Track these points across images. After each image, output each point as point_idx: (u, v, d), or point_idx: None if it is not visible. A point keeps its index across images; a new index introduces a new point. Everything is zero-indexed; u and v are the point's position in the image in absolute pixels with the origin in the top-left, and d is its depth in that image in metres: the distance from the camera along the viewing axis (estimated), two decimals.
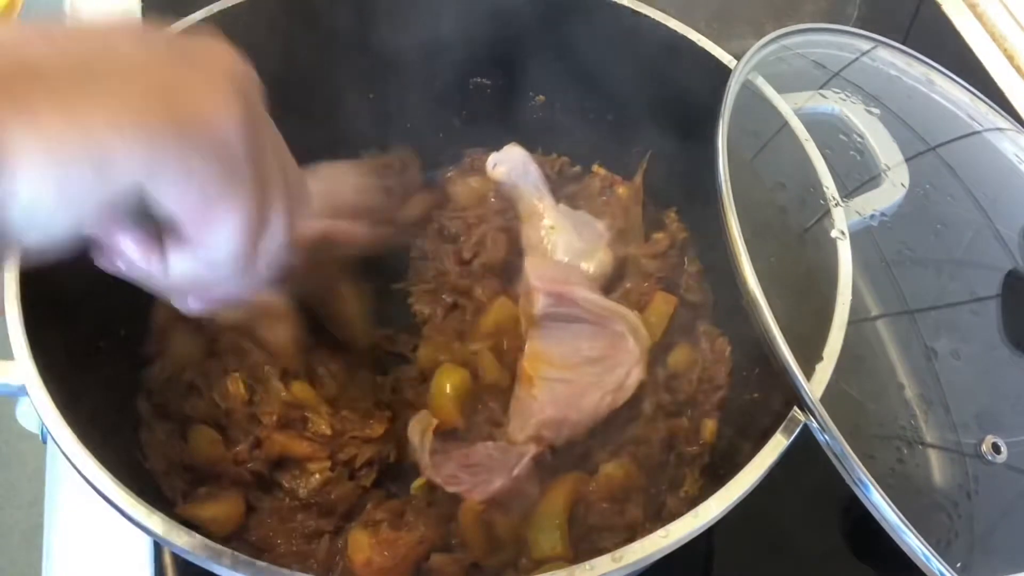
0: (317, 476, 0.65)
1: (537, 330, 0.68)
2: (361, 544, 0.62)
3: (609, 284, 0.77)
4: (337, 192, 0.74)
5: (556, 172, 0.84)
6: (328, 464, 0.66)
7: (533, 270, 0.70)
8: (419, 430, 0.66)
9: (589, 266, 0.75)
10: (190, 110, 0.36)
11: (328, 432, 0.66)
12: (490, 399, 0.70)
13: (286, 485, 0.65)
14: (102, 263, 0.43)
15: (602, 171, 0.84)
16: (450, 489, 0.63)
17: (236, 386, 0.67)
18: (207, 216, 0.38)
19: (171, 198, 0.36)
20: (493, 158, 0.80)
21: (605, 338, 0.68)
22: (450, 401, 0.68)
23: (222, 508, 0.63)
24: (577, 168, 0.85)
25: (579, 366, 0.67)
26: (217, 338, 0.70)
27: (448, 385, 0.69)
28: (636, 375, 0.68)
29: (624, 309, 0.70)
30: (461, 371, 0.70)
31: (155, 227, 0.40)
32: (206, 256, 0.40)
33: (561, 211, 0.79)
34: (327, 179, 0.75)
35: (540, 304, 0.67)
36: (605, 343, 0.68)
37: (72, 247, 0.37)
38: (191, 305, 0.45)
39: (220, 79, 0.38)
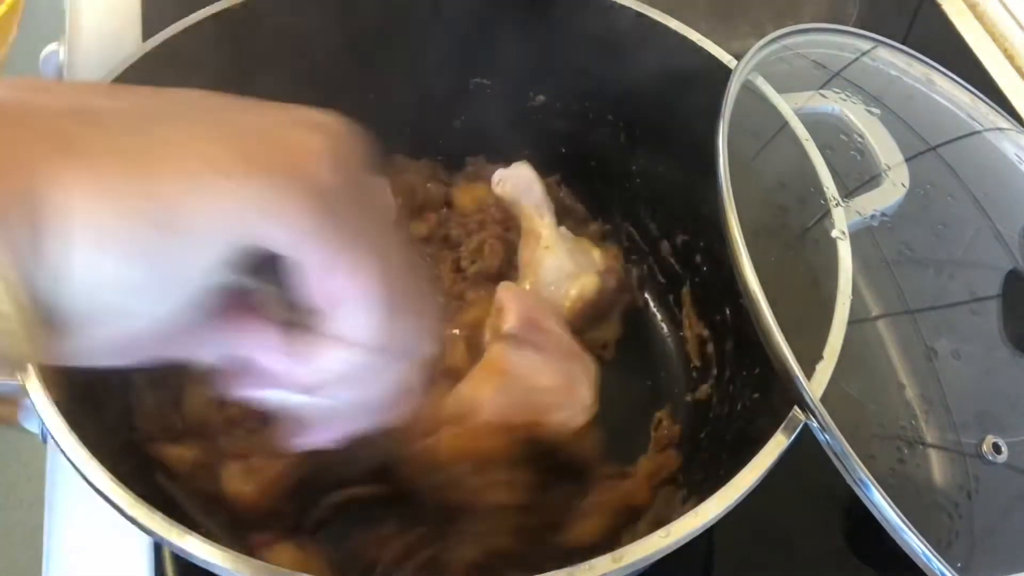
0: None
1: (499, 345, 0.68)
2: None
3: (595, 315, 0.77)
4: None
5: (563, 208, 0.84)
6: None
7: (508, 291, 0.71)
8: None
9: (572, 288, 0.75)
10: (278, 147, 0.30)
11: None
12: (442, 381, 0.69)
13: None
14: (227, 388, 0.36)
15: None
16: None
17: None
18: (336, 263, 0.30)
19: (285, 241, 0.29)
20: (499, 174, 0.81)
21: (562, 378, 0.68)
22: None
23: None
24: (580, 206, 0.85)
25: (528, 393, 0.67)
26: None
27: None
28: (580, 421, 0.67)
29: (589, 358, 0.70)
30: None
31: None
32: (350, 324, 0.32)
33: (560, 233, 0.79)
34: None
35: (510, 323, 0.67)
36: (561, 383, 0.68)
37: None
38: (324, 435, 0.38)
39: (307, 122, 0.32)
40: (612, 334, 0.79)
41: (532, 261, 0.77)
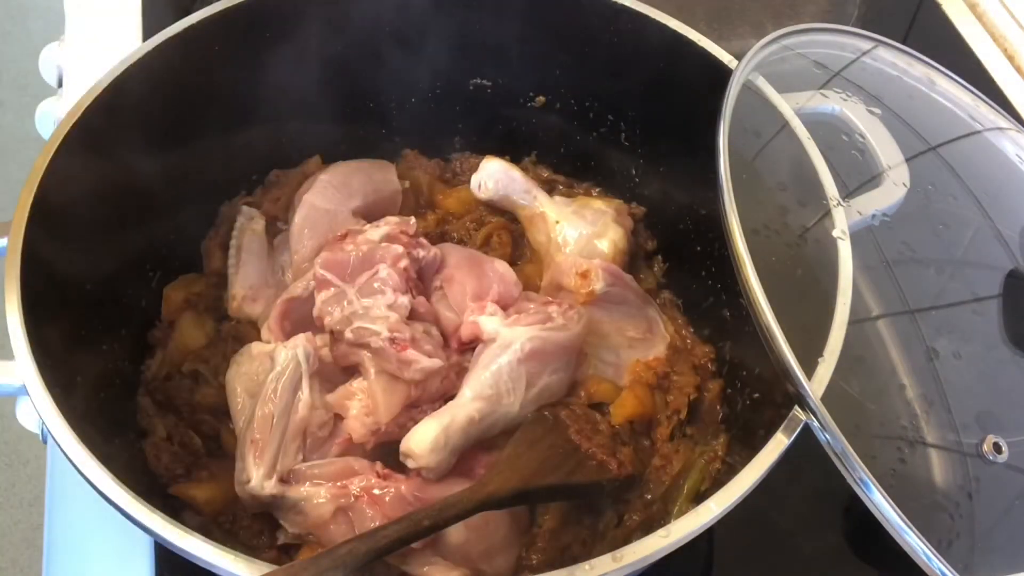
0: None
1: (588, 308, 0.72)
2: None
3: (631, 262, 0.79)
4: (372, 188, 0.78)
5: (545, 182, 0.85)
6: None
7: (571, 257, 0.75)
8: None
9: (603, 244, 0.77)
10: None
11: None
12: None
13: None
14: None
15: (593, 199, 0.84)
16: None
17: None
18: None
19: None
20: (475, 179, 0.82)
21: (644, 321, 0.76)
22: None
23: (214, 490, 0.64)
24: (560, 176, 0.86)
25: (622, 347, 0.74)
26: (222, 324, 0.73)
27: None
28: (663, 351, 0.75)
29: (648, 296, 0.78)
30: None
31: None
32: None
33: (559, 203, 0.80)
34: (356, 173, 0.78)
35: (602, 282, 0.72)
36: (644, 326, 0.76)
37: None
38: None
39: None
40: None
41: (549, 241, 0.78)
